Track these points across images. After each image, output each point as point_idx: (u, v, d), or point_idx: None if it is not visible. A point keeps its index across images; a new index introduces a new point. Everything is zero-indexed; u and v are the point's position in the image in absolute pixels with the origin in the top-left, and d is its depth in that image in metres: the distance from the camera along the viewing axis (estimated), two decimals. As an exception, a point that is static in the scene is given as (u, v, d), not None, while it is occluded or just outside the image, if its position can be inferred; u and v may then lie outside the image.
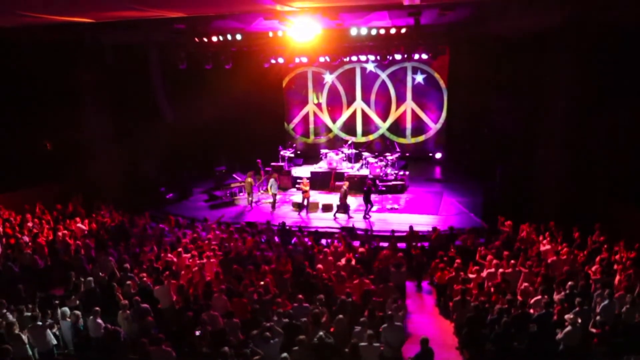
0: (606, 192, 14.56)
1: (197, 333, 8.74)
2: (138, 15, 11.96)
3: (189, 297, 9.99)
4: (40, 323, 8.78)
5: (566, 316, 8.56)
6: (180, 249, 12.51)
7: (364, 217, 16.43)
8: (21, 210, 15.47)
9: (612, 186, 14.39)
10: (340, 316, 8.88)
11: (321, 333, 8.23)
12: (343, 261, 11.69)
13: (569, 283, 9.85)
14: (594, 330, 8.71)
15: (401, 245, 13.61)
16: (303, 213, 17.19)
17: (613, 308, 9.09)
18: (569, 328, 8.35)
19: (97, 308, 9.18)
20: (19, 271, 12.05)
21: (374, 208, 16.86)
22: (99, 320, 9.03)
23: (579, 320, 8.43)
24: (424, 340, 8.16)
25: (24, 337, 8.53)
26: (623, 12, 12.54)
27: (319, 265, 11.56)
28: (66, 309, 9.25)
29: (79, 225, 14.76)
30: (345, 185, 16.77)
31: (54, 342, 8.83)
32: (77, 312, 9.25)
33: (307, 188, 17.11)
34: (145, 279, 10.64)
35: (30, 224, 14.60)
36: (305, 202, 17.16)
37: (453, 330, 10.46)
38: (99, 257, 12.23)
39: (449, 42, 18.90)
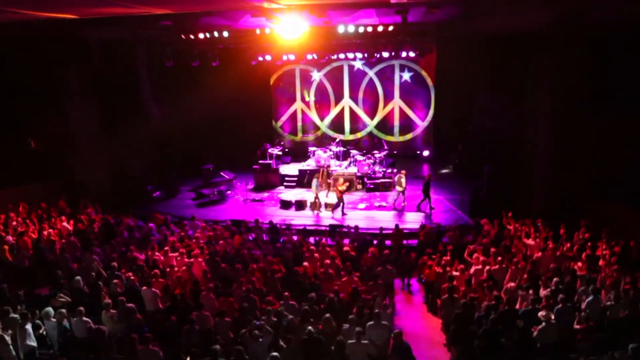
0: (592, 190, 14.72)
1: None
2: (124, 12, 11.81)
3: (176, 297, 9.92)
4: (25, 323, 8.66)
5: (539, 313, 8.61)
6: (167, 248, 12.43)
7: (429, 209, 16.50)
8: (4, 210, 15.26)
9: (597, 184, 14.55)
10: (328, 315, 8.88)
11: (310, 328, 8.23)
12: (328, 260, 11.68)
13: (555, 279, 9.95)
14: (578, 326, 8.79)
15: (389, 242, 13.67)
16: (337, 213, 16.63)
17: (598, 304, 9.19)
18: (542, 325, 8.41)
19: (82, 308, 9.08)
20: (3, 271, 11.88)
21: (362, 206, 16.88)
22: (85, 320, 8.94)
23: (552, 317, 8.50)
24: (397, 333, 8.15)
25: (7, 338, 8.41)
26: (609, 13, 12.67)
27: (305, 263, 11.55)
28: (50, 309, 9.12)
29: (64, 224, 14.60)
30: (402, 173, 16.70)
31: (35, 343, 8.72)
32: (63, 310, 9.14)
33: (343, 188, 16.44)
34: (132, 277, 10.58)
35: (14, 223, 14.42)
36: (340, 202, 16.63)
37: (441, 327, 10.52)
38: (84, 256, 12.10)
39: (436, 40, 18.99)
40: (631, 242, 11.52)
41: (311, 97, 23.87)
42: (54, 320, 9.01)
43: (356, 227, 14.05)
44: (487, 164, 17.08)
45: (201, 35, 16.90)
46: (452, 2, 13.23)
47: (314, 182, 17.15)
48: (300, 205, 17.35)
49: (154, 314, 9.85)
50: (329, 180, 18.35)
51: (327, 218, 16.41)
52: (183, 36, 17.06)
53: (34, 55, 16.64)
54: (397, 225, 13.99)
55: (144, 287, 10.20)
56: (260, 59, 19.52)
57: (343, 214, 16.45)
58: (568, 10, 13.08)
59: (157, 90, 20.58)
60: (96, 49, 17.49)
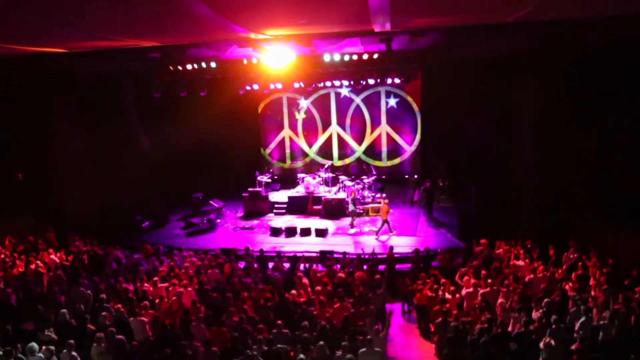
0: (580, 209, 14.85)
1: None
2: (112, 45, 11.93)
3: (166, 327, 9.77)
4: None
5: (541, 344, 8.60)
6: (156, 279, 12.29)
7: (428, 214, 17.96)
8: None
9: (586, 203, 14.69)
10: (322, 342, 8.80)
11: (302, 356, 8.14)
12: (320, 286, 11.61)
13: (546, 300, 9.97)
14: (573, 347, 8.78)
15: (381, 267, 13.64)
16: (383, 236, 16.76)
17: (590, 324, 9.21)
18: (548, 352, 8.39)
19: (72, 341, 8.91)
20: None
21: (352, 231, 16.88)
22: (74, 354, 8.76)
23: (552, 343, 8.49)
24: None
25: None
26: (589, 36, 13.00)
27: (293, 291, 11.48)
28: (34, 344, 8.91)
29: (52, 257, 14.40)
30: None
31: None
32: (52, 347, 8.94)
33: (382, 211, 16.72)
34: (121, 309, 10.43)
35: (1, 257, 14.20)
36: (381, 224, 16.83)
37: (434, 352, 10.44)
38: (72, 289, 11.92)
39: (421, 67, 19.24)
40: (620, 261, 11.61)
41: (301, 115, 23.86)
42: (40, 355, 8.80)
43: (344, 253, 14.03)
44: (474, 185, 17.21)
45: (189, 66, 17.05)
46: (434, 30, 13.52)
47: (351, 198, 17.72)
48: (321, 232, 17.33)
49: (143, 344, 9.69)
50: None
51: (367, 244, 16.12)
52: (171, 67, 17.20)
53: (21, 87, 16.66)
54: (391, 248, 13.94)
55: (131, 318, 10.06)
56: (248, 88, 19.64)
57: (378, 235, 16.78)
58: (548, 36, 13.43)
59: (145, 121, 20.61)
60: (84, 80, 17.56)
